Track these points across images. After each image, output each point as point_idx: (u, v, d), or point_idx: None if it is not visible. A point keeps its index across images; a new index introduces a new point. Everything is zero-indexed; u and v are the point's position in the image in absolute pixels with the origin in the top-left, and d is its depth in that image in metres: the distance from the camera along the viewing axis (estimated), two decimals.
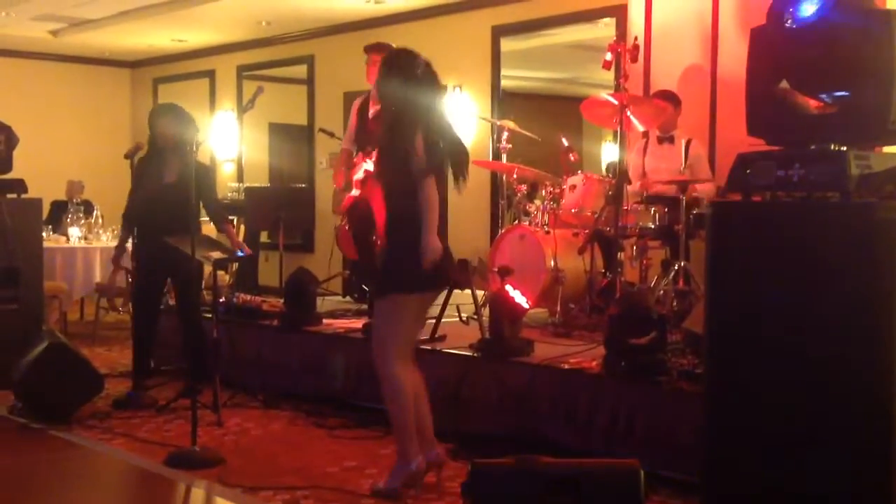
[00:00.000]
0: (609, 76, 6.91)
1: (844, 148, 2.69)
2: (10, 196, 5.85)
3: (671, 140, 5.86)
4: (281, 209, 7.32)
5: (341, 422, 4.98)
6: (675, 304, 5.25)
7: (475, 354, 4.70)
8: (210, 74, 10.58)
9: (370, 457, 4.33)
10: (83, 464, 4.44)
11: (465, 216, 8.39)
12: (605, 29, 7.54)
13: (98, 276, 7.28)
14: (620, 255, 5.54)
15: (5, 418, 5.09)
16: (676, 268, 5.33)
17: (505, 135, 6.25)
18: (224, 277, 7.72)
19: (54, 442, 4.65)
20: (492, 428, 4.48)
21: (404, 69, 3.74)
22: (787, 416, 2.55)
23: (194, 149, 4.93)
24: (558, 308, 5.52)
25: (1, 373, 5.32)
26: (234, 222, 8.73)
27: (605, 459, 3.27)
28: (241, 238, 8.64)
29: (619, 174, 5.43)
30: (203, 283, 5.86)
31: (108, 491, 4.20)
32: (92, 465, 4.44)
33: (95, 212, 7.89)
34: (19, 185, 5.86)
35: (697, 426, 3.75)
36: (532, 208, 5.95)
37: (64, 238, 7.55)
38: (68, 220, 7.70)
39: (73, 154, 10.48)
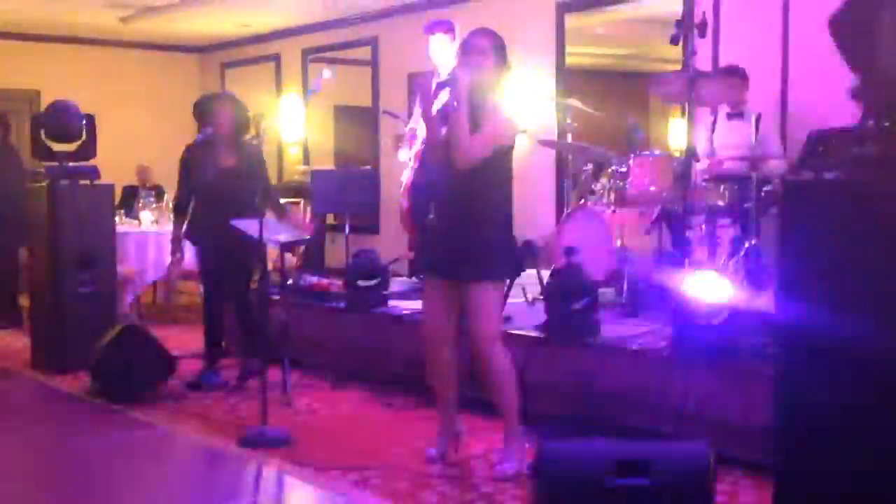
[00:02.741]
0: (676, 51, 6.77)
1: None
2: (83, 182, 5.99)
3: (741, 116, 5.73)
4: (347, 192, 7.36)
5: (408, 402, 5.02)
6: (745, 283, 5.14)
7: (541, 335, 4.69)
8: (276, 58, 10.66)
9: (435, 436, 4.34)
10: (159, 443, 4.55)
11: (529, 196, 8.34)
12: (671, 3, 7.39)
13: (170, 260, 7.40)
14: (689, 234, 5.45)
15: (82, 399, 5.24)
16: (747, 246, 5.22)
17: (570, 113, 6.20)
18: (291, 259, 7.81)
19: (130, 422, 4.77)
20: (557, 409, 4.47)
21: (506, 58, 3.79)
22: (861, 403, 2.47)
23: (259, 135, 5.03)
24: (625, 288, 5.46)
25: (77, 355, 5.49)
26: (301, 205, 8.85)
27: (674, 440, 3.23)
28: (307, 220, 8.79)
29: (687, 151, 5.33)
30: (261, 265, 5.94)
31: (183, 470, 4.30)
32: (167, 444, 4.55)
33: (166, 196, 8.03)
34: (92, 172, 5.99)
35: (769, 408, 3.72)
36: (598, 187, 5.89)
37: (136, 222, 7.71)
38: (140, 204, 7.85)
39: (142, 139, 10.66)
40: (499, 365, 3.80)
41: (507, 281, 4.04)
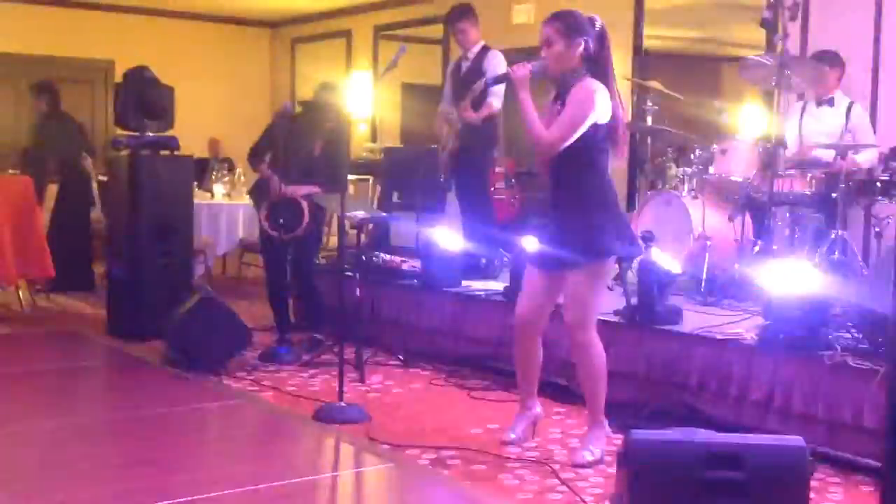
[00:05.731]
0: (748, 35, 6.64)
1: None
2: (163, 153, 6.04)
3: (831, 103, 5.57)
4: (417, 169, 7.32)
5: (481, 383, 4.98)
6: (831, 274, 5.01)
7: (621, 321, 4.61)
8: (347, 35, 10.65)
9: (512, 420, 4.30)
10: (234, 414, 4.57)
11: None
12: None
13: (241, 232, 7.48)
14: (771, 223, 5.33)
15: (158, 367, 5.29)
16: (832, 237, 5.09)
17: (650, 96, 6.09)
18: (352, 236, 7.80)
19: (205, 391, 4.80)
20: (637, 397, 4.40)
21: (579, 34, 3.63)
22: None
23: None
24: (704, 276, 5.35)
25: (154, 323, 5.55)
26: (370, 182, 8.86)
27: (767, 435, 3.14)
28: (375, 198, 8.78)
29: (775, 138, 5.20)
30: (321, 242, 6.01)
31: (259, 441, 4.30)
32: (242, 415, 4.57)
33: (238, 170, 8.09)
34: (173, 142, 6.03)
35: (860, 405, 3.62)
36: (678, 172, 5.77)
37: (209, 194, 7.77)
38: (213, 177, 7.91)
39: (213, 113, 10.75)
40: (592, 353, 3.74)
41: (611, 266, 3.86)
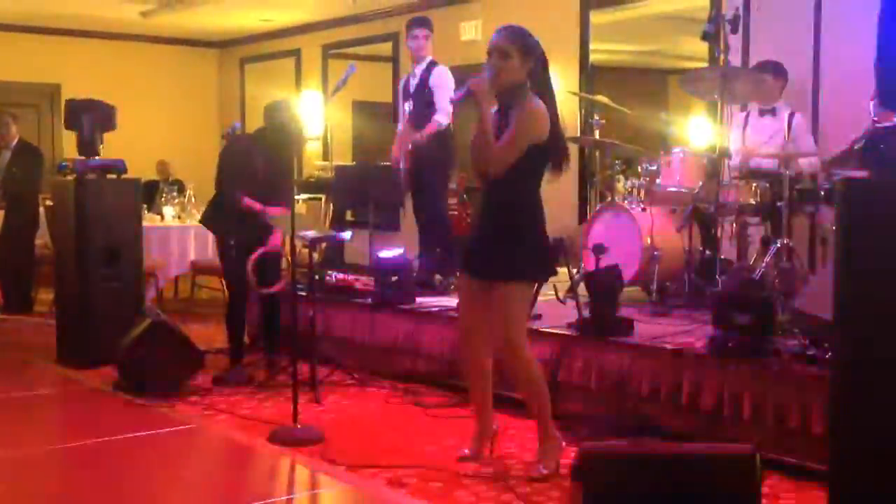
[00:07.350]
0: (694, 47, 6.75)
1: None
2: (109, 176, 5.97)
3: (773, 113, 5.68)
4: (370, 187, 7.32)
5: (437, 401, 4.98)
6: (777, 282, 5.10)
7: (573, 333, 4.65)
8: (296, 54, 10.64)
9: (469, 436, 4.30)
10: (188, 439, 4.51)
11: (551, 194, 8.27)
12: None
13: (192, 254, 7.41)
14: (719, 232, 5.42)
15: (110, 394, 5.21)
16: (778, 245, 5.18)
17: (597, 110, 6.17)
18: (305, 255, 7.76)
19: (158, 417, 4.73)
20: (590, 409, 4.43)
21: (535, 54, 3.67)
22: None
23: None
24: (654, 287, 5.42)
25: (104, 349, 5.47)
26: (322, 201, 8.83)
27: (719, 443, 3.18)
28: (328, 216, 8.75)
29: (719, 149, 5.29)
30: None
31: (213, 467, 4.26)
32: (197, 440, 4.52)
33: (188, 191, 8.02)
34: (119, 166, 5.96)
35: (808, 410, 3.68)
36: (626, 185, 5.85)
37: (158, 217, 7.70)
38: (163, 199, 7.84)
39: (161, 134, 10.66)
40: (525, 369, 3.74)
41: (535, 284, 3.93)
